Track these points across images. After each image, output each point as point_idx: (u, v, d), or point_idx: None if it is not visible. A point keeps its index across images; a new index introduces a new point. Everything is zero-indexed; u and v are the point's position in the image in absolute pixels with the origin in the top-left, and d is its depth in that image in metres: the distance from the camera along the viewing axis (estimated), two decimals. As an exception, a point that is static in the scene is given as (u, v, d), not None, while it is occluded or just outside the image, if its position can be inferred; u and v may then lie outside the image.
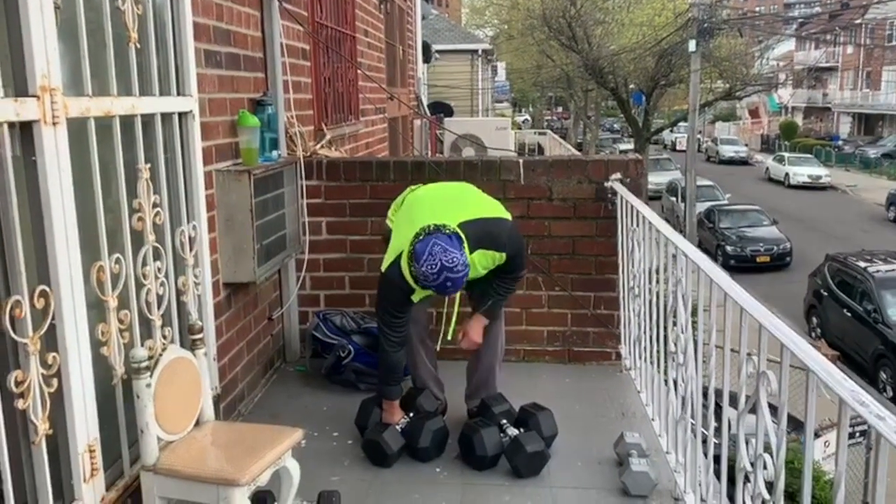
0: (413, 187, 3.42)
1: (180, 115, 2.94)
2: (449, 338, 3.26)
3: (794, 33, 35.09)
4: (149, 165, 2.62)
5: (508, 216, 3.15)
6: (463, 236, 2.87)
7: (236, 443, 2.54)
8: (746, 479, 2.01)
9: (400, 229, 3.12)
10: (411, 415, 3.21)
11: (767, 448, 1.87)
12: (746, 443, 2.02)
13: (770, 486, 1.86)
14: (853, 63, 42.51)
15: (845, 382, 1.46)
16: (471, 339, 3.19)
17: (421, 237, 2.84)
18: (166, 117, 2.85)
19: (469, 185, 3.37)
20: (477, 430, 3.06)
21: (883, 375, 11.19)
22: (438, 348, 3.37)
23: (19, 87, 2.03)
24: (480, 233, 2.96)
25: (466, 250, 2.85)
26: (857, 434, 7.66)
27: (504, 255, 3.03)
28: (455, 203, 3.12)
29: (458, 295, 3.21)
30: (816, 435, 7.23)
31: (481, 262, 3.00)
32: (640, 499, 2.83)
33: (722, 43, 22.76)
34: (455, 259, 2.75)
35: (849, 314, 12.40)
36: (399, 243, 3.02)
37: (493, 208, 3.15)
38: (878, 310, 11.76)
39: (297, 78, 4.45)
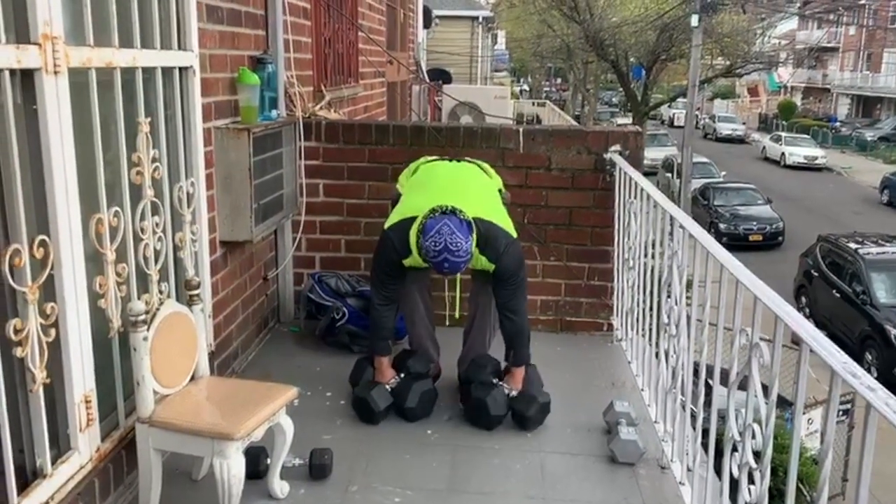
0: (428, 158, 3.47)
1: (181, 69, 2.92)
2: (457, 316, 3.36)
3: (796, 12, 34.79)
4: (149, 119, 2.60)
5: (515, 234, 3.15)
6: (475, 228, 2.93)
7: (231, 398, 2.56)
8: (734, 448, 2.04)
9: (412, 195, 3.19)
10: (402, 375, 3.25)
11: (756, 418, 1.90)
12: (736, 413, 2.05)
13: (757, 455, 1.89)
14: (854, 44, 42.29)
15: (837, 354, 1.48)
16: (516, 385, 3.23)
17: (436, 214, 2.90)
18: (167, 71, 2.82)
19: (491, 181, 3.38)
20: (489, 391, 3.13)
21: (868, 356, 11.32)
22: (448, 324, 3.42)
23: (21, 35, 2.01)
24: (487, 236, 3.00)
25: (473, 241, 2.91)
26: (840, 413, 7.79)
27: (493, 266, 3.07)
28: (476, 194, 3.17)
29: (458, 278, 3.27)
30: (800, 412, 7.36)
31: (477, 260, 3.05)
32: (627, 466, 2.88)
33: (724, 19, 22.60)
34: (459, 245, 2.84)
35: (838, 295, 12.50)
36: (408, 207, 3.09)
37: (506, 220, 3.15)
38: (866, 291, 11.86)
39: (298, 37, 4.40)
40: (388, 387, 3.19)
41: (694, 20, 17.47)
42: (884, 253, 12.65)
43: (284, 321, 4.28)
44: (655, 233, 3.06)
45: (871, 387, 1.34)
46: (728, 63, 24.47)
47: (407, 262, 3.08)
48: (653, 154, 23.82)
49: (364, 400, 3.14)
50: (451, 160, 3.44)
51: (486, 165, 3.46)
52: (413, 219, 3.00)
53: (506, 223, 3.13)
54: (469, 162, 3.43)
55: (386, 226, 3.14)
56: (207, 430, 2.32)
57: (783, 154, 30.08)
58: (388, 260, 3.11)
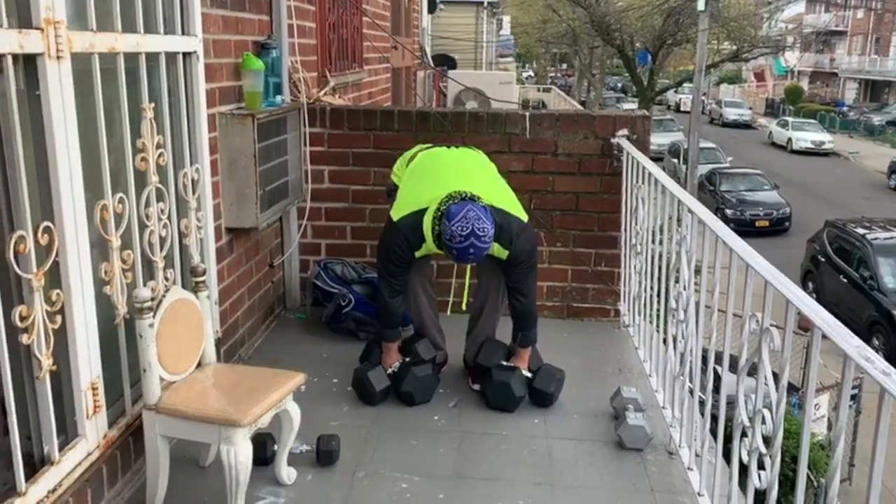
0: (424, 145, 3.43)
1: (184, 55, 2.90)
2: (464, 307, 3.32)
3: (804, -5, 34.59)
4: (153, 105, 2.58)
5: (525, 217, 3.15)
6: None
7: (238, 385, 2.56)
8: (744, 434, 2.03)
9: (417, 184, 3.14)
10: (407, 359, 3.25)
11: (766, 404, 1.89)
12: (745, 399, 2.03)
13: (767, 440, 1.88)
14: (862, 28, 41.93)
15: (850, 338, 1.46)
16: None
17: (456, 200, 2.89)
18: (171, 57, 2.80)
19: (491, 165, 3.36)
20: (511, 374, 3.16)
21: (876, 342, 11.28)
22: (449, 312, 3.40)
23: (23, 20, 2.00)
24: (501, 223, 2.98)
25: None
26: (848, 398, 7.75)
27: (507, 252, 3.05)
28: (484, 180, 3.17)
29: (468, 266, 3.25)
30: (807, 397, 7.37)
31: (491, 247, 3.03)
32: (635, 452, 2.87)
33: (731, 3, 22.44)
34: (485, 229, 2.83)
35: (845, 280, 12.45)
36: (418, 198, 3.04)
37: (516, 205, 3.14)
38: (874, 277, 11.81)
39: (302, 22, 4.37)
40: (390, 370, 3.21)
41: (700, 4, 17.29)
42: (891, 238, 12.56)
43: (291, 308, 4.28)
44: (663, 218, 3.04)
45: (886, 371, 1.33)
46: (735, 48, 24.32)
47: (418, 252, 3.07)
48: (659, 140, 23.71)
49: (360, 380, 3.19)
50: (449, 147, 3.41)
51: (481, 152, 3.44)
52: (424, 210, 2.98)
53: (515, 208, 3.12)
54: (468, 148, 3.41)
55: (395, 217, 3.08)
56: (214, 416, 2.31)
57: (790, 139, 29.89)
58: (398, 253, 3.08)
